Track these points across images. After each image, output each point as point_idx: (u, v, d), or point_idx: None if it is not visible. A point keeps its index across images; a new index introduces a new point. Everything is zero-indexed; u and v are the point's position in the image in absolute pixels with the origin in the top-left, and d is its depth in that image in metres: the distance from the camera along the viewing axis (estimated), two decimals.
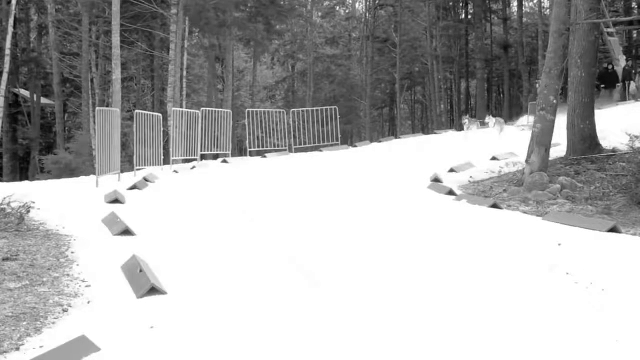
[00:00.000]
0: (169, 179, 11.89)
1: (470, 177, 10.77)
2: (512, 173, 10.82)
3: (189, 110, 16.76)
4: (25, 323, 3.96)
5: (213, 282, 4.88)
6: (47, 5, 25.13)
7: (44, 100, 28.22)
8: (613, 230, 6.32)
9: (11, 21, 20.82)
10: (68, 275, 5.06)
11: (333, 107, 18.80)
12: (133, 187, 10.09)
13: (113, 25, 18.02)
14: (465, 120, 17.25)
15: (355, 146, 17.75)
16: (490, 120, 16.89)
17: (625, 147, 10.81)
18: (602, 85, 20.85)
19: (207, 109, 17.10)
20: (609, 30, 22.25)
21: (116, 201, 8.54)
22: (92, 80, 23.99)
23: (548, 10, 32.13)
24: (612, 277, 4.71)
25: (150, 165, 13.46)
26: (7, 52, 20.63)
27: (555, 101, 9.98)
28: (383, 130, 39.79)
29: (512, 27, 35.92)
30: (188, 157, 15.44)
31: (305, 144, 17.97)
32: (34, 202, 7.67)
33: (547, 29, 22.73)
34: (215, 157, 17.19)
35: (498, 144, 13.96)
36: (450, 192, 9.01)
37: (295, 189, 9.85)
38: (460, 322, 3.94)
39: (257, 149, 17.65)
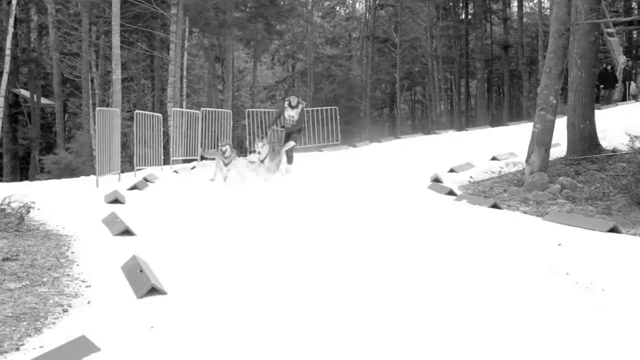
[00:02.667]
0: (169, 179, 11.89)
1: (470, 177, 10.78)
2: (512, 173, 10.83)
3: (189, 110, 16.75)
4: (25, 323, 3.96)
5: (213, 282, 4.88)
6: (47, 5, 25.11)
7: (44, 100, 28.21)
8: (613, 230, 6.32)
9: (11, 21, 20.83)
10: (68, 275, 5.06)
11: (333, 107, 18.77)
12: (133, 187, 10.08)
13: (113, 25, 18.02)
14: (258, 148, 10.99)
15: (356, 146, 17.74)
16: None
17: (625, 147, 10.83)
18: (602, 86, 20.85)
19: (207, 109, 17.08)
20: (609, 30, 22.26)
21: (116, 201, 8.54)
22: (92, 80, 23.98)
23: (548, 10, 32.16)
24: (612, 277, 4.71)
25: (150, 165, 13.46)
26: (7, 52, 20.63)
27: (555, 101, 9.98)
28: (383, 130, 39.77)
29: (512, 27, 35.93)
30: (188, 157, 15.43)
31: (305, 144, 17.94)
32: (34, 202, 7.67)
33: (547, 29, 22.74)
34: None
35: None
36: (450, 192, 9.02)
37: (295, 189, 9.85)
38: (460, 322, 3.94)
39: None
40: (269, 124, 12.78)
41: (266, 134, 12.42)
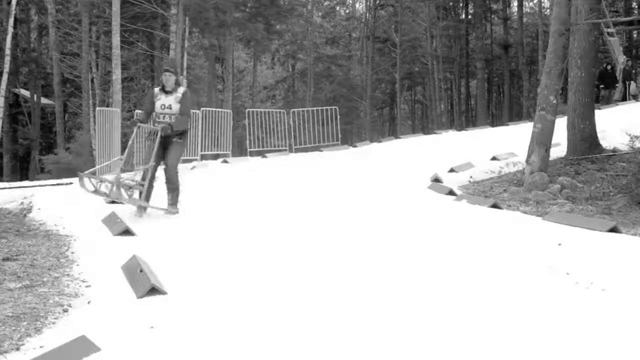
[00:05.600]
0: None
1: (470, 177, 10.77)
2: (512, 173, 10.82)
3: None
4: (25, 323, 3.96)
5: (213, 282, 4.88)
6: (47, 5, 25.13)
7: (44, 100, 28.23)
8: (613, 230, 6.31)
9: (11, 21, 20.82)
10: (68, 275, 5.06)
11: (333, 107, 18.78)
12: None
13: (113, 25, 18.02)
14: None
15: (356, 146, 17.74)
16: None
17: (625, 147, 10.84)
18: (602, 85, 20.85)
19: (207, 109, 17.08)
20: (609, 30, 22.25)
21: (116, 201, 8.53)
22: (92, 80, 23.99)
23: (548, 10, 32.17)
24: (612, 277, 4.70)
25: None
26: (7, 52, 20.62)
27: (555, 101, 9.98)
28: (383, 130, 39.83)
29: (512, 27, 35.96)
30: (188, 157, 15.42)
31: (305, 144, 17.97)
32: (31, 201, 7.68)
33: (547, 29, 22.75)
34: (216, 157, 17.18)
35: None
36: (451, 192, 9.01)
37: (295, 189, 9.85)
38: (459, 322, 3.94)
39: (257, 149, 17.63)
40: (133, 120, 7.75)
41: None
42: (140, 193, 7.28)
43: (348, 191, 9.41)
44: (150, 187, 7.44)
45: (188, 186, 10.71)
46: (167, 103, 7.44)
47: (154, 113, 7.57)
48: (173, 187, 7.55)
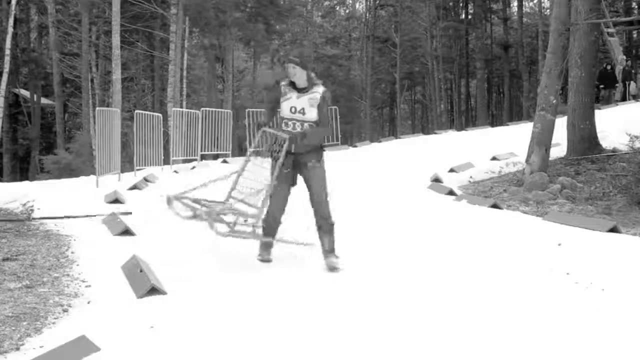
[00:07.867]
0: (169, 179, 11.88)
1: (470, 177, 10.78)
2: (512, 173, 10.84)
3: (189, 110, 16.75)
4: (25, 323, 3.96)
5: (213, 282, 4.88)
6: (47, 5, 25.15)
7: (44, 100, 28.24)
8: (613, 230, 6.32)
9: (11, 21, 20.82)
10: (68, 275, 5.05)
11: (333, 107, 18.76)
12: (133, 187, 10.09)
13: (113, 25, 18.03)
14: None
15: (356, 146, 17.76)
16: None
17: (625, 147, 10.85)
18: (602, 86, 20.86)
19: (207, 109, 17.09)
20: (609, 30, 22.28)
21: (116, 201, 8.54)
22: (92, 80, 24.00)
23: (548, 10, 32.17)
24: (612, 277, 4.71)
25: (150, 165, 13.46)
26: (7, 52, 20.62)
27: (555, 101, 9.99)
28: (383, 130, 39.85)
29: (512, 27, 35.98)
30: (188, 157, 15.43)
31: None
32: (34, 201, 7.68)
33: (547, 29, 22.75)
34: (216, 157, 17.18)
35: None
36: (450, 192, 9.02)
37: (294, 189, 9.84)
38: (459, 322, 3.94)
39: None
40: (261, 121, 5.60)
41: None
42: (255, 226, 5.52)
43: (348, 191, 9.40)
44: (276, 221, 5.54)
45: (188, 186, 10.70)
46: (300, 106, 5.27)
47: (278, 117, 5.46)
48: (328, 226, 5.50)
